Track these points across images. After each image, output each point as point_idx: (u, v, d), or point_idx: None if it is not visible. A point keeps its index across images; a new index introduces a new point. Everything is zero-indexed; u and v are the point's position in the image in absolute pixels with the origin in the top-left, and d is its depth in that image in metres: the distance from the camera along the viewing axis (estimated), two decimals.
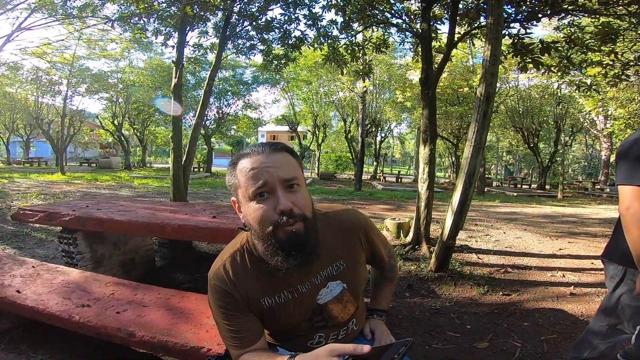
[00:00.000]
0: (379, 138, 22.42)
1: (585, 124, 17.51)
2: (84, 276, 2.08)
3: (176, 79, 5.02)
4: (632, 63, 5.81)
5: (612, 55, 5.65)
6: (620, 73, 5.52)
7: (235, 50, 6.31)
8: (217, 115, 20.63)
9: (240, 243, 0.95)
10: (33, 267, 2.17)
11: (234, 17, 5.48)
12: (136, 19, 5.12)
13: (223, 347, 1.12)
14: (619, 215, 1.40)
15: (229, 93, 20.56)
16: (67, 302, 1.72)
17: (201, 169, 21.64)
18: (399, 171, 28.01)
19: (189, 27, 5.23)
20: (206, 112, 20.28)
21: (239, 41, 6.11)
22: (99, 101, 20.69)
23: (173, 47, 5.34)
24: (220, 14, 5.41)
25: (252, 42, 6.07)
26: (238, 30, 5.73)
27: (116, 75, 18.95)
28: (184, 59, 5.36)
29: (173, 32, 5.30)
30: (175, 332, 1.46)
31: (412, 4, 5.23)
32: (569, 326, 2.40)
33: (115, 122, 20.60)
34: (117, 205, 3.04)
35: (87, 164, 21.59)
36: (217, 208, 3.01)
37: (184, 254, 3.68)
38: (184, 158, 5.00)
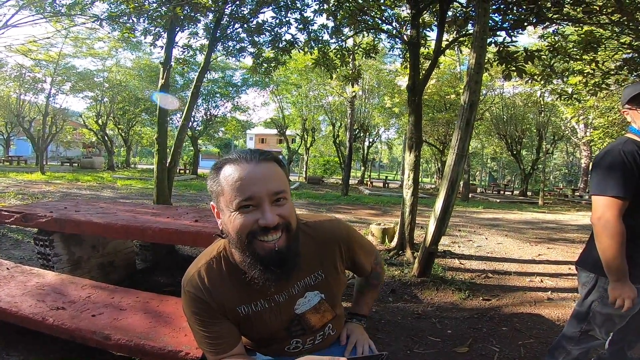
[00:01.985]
0: (367, 143, 22.61)
1: (567, 132, 18.04)
2: (59, 279, 2.03)
3: (163, 80, 4.96)
4: (612, 72, 6.02)
5: (594, 64, 5.83)
6: (601, 82, 5.70)
7: (225, 52, 6.28)
8: (204, 117, 20.43)
9: (217, 250, 0.93)
10: (7, 269, 2.11)
11: (224, 19, 5.46)
12: (125, 18, 5.05)
13: (201, 351, 1.11)
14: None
15: (218, 95, 20.40)
16: (41, 304, 1.68)
17: (187, 171, 21.36)
18: (386, 176, 28.24)
19: (178, 28, 5.19)
20: (193, 114, 20.10)
21: (229, 43, 6.09)
22: (84, 100, 20.22)
23: (162, 47, 5.28)
24: (211, 15, 5.38)
25: (243, 44, 6.06)
26: (228, 32, 5.72)
27: (102, 74, 18.62)
28: (173, 60, 5.31)
29: (162, 33, 5.24)
30: (153, 336, 1.44)
31: (402, 11, 5.32)
32: (546, 331, 2.46)
33: (100, 121, 20.15)
34: (97, 207, 2.98)
35: (68, 164, 21.05)
36: (200, 212, 2.97)
37: (166, 257, 3.61)
38: (168, 160, 4.93)
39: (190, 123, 20.17)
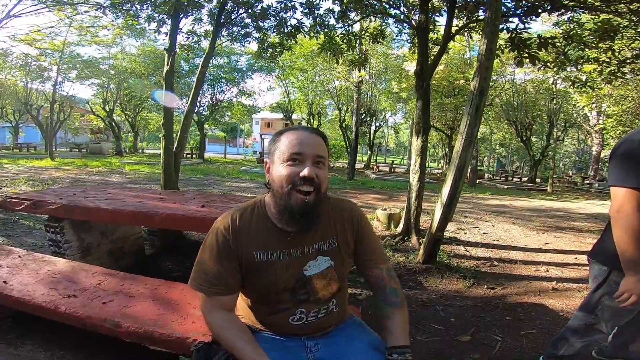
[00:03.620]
0: (373, 127, 22.40)
1: (578, 119, 17.65)
2: (70, 266, 2.07)
3: (168, 66, 4.93)
4: (628, 61, 5.83)
5: (610, 52, 5.65)
6: (616, 70, 5.53)
7: (229, 38, 6.20)
8: (210, 102, 20.37)
9: (254, 201, 1.09)
10: (19, 256, 2.15)
11: (229, 4, 5.36)
12: (129, 5, 4.99)
13: (209, 337, 1.15)
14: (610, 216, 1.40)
15: (223, 80, 20.28)
16: (54, 292, 1.72)
17: (194, 156, 21.46)
18: (393, 161, 28.03)
19: (182, 14, 5.11)
20: (199, 99, 20.05)
21: (234, 29, 6.00)
22: (90, 87, 20.25)
23: (166, 34, 5.23)
24: (215, 1, 5.29)
25: (247, 29, 5.97)
26: (233, 17, 5.63)
27: (108, 62, 18.59)
28: (177, 46, 5.26)
29: (166, 19, 5.18)
30: (162, 323, 1.47)
31: None
32: (549, 322, 2.46)
33: (107, 108, 20.24)
34: (105, 193, 3.01)
35: (77, 150, 21.22)
36: (207, 197, 2.99)
37: (173, 243, 3.67)
38: (175, 145, 4.95)
39: (197, 108, 20.18)
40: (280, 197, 0.98)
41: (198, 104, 20.17)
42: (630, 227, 1.27)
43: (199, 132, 21.83)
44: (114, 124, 21.15)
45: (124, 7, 5.03)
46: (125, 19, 5.42)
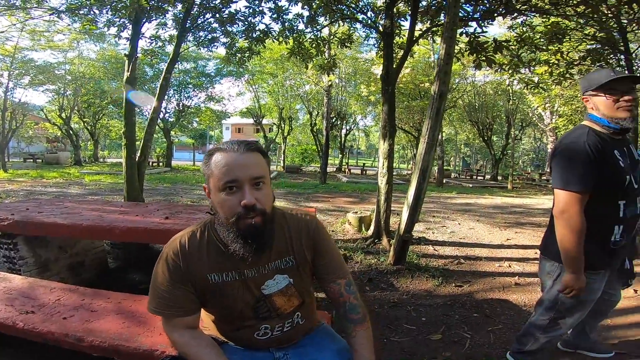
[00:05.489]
0: (344, 131, 22.66)
1: (534, 119, 18.75)
2: (27, 282, 1.98)
3: (129, 73, 4.74)
4: (576, 62, 6.26)
5: (559, 54, 6.06)
6: (565, 72, 5.92)
7: (196, 43, 6.07)
8: (177, 108, 19.78)
9: (204, 222, 1.05)
10: None
11: (195, 9, 5.25)
12: (86, 10, 4.75)
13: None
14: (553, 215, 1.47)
15: (190, 85, 19.76)
16: (10, 309, 1.65)
17: (161, 164, 20.72)
18: (364, 163, 28.49)
19: (145, 19, 4.93)
20: (165, 105, 19.45)
21: (201, 33, 5.88)
22: (44, 93, 19.06)
23: (127, 39, 5.02)
24: (180, 5, 5.15)
25: (215, 34, 5.87)
26: (199, 22, 5.51)
27: (64, 67, 17.60)
28: (140, 51, 5.07)
29: (127, 24, 4.97)
30: (128, 336, 1.45)
31: (378, 0, 5.31)
32: (513, 316, 2.57)
33: (63, 115, 19.10)
34: (61, 207, 2.85)
35: (32, 160, 19.87)
36: (172, 207, 2.91)
37: (139, 255, 3.52)
38: (138, 154, 4.75)
39: (162, 114, 19.53)
40: (229, 226, 0.94)
41: (164, 110, 19.54)
42: (574, 229, 1.35)
43: (165, 139, 21.10)
44: (71, 132, 19.99)
45: (81, 12, 4.78)
46: (82, 24, 5.15)
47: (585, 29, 5.81)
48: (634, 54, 6.13)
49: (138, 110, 19.69)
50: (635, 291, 2.96)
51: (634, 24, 5.26)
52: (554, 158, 1.45)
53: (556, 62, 6.22)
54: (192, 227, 1.05)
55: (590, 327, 1.87)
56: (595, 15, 4.58)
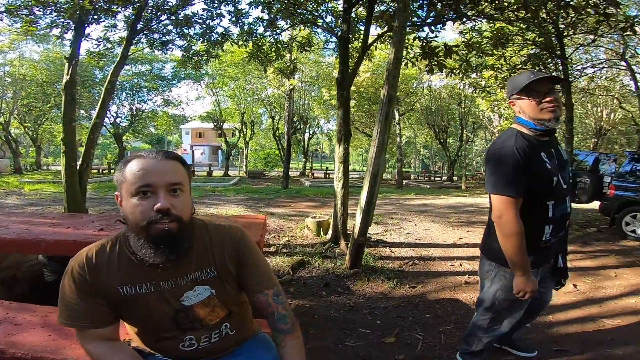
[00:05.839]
0: (307, 135, 22.66)
1: (484, 121, 19.91)
2: None
3: (69, 76, 4.40)
4: (518, 66, 6.69)
5: (502, 59, 6.44)
6: (509, 76, 6.31)
7: (149, 45, 5.78)
8: (130, 112, 18.75)
9: (116, 235, 1.01)
10: None
11: (148, 10, 4.99)
12: (26, 11, 4.36)
13: None
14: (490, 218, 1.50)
15: (145, 88, 18.81)
16: None
17: (112, 171, 19.50)
18: (327, 167, 28.65)
19: (90, 20, 4.61)
20: (116, 110, 18.39)
21: (155, 35, 5.61)
22: None
23: (70, 40, 4.68)
24: (130, 7, 4.86)
25: (169, 37, 5.63)
26: (153, 24, 5.25)
27: (3, 69, 16.37)
28: (86, 54, 4.71)
29: (71, 24, 4.62)
30: (53, 349, 1.37)
31: (339, 4, 5.35)
32: (463, 316, 2.64)
33: (2, 119, 17.44)
34: None
35: None
36: (111, 218, 2.74)
37: None
38: (79, 162, 4.41)
39: (113, 119, 18.43)
40: (139, 232, 0.90)
41: (115, 114, 18.45)
42: (513, 232, 1.38)
43: (117, 145, 19.90)
44: (10, 138, 18.28)
45: (21, 13, 4.38)
46: (22, 25, 4.73)
47: (526, 34, 6.22)
48: (569, 58, 6.67)
49: (84, 114, 18.46)
50: (575, 286, 3.16)
51: (570, 29, 5.72)
52: (487, 163, 1.48)
53: (500, 66, 6.63)
54: (102, 240, 1.01)
55: (518, 324, 1.91)
56: (536, 20, 4.89)
